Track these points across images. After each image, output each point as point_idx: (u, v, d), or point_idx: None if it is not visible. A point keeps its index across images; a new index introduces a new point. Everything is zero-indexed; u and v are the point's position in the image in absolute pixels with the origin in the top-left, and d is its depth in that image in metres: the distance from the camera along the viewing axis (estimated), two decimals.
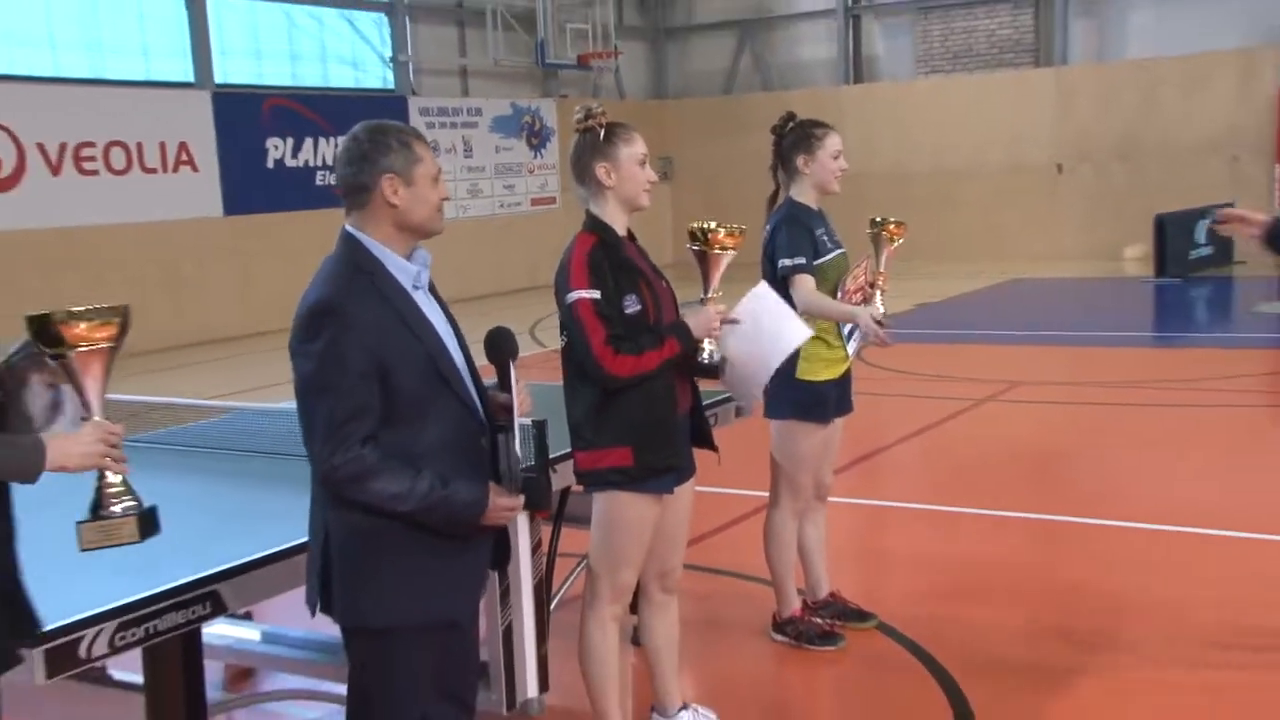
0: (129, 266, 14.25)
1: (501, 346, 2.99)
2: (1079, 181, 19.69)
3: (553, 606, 4.54)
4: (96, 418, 2.45)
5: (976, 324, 14.13)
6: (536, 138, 20.41)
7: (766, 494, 4.93)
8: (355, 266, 2.82)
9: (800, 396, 4.66)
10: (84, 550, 2.47)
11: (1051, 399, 9.67)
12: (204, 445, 4.74)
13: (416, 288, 2.89)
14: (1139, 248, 18.03)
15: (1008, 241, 19.78)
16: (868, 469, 7.79)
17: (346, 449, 2.71)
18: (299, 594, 3.03)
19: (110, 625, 2.77)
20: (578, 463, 3.71)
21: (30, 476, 2.37)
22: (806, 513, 4.94)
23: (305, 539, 2.98)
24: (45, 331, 2.42)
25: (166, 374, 12.46)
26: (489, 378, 3.01)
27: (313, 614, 2.93)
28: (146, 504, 2.53)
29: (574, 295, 3.53)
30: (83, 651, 2.72)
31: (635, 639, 4.13)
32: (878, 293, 4.74)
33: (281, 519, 3.39)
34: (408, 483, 2.75)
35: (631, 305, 3.56)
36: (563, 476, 3.97)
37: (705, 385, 3.96)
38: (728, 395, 4.94)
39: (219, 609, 3.05)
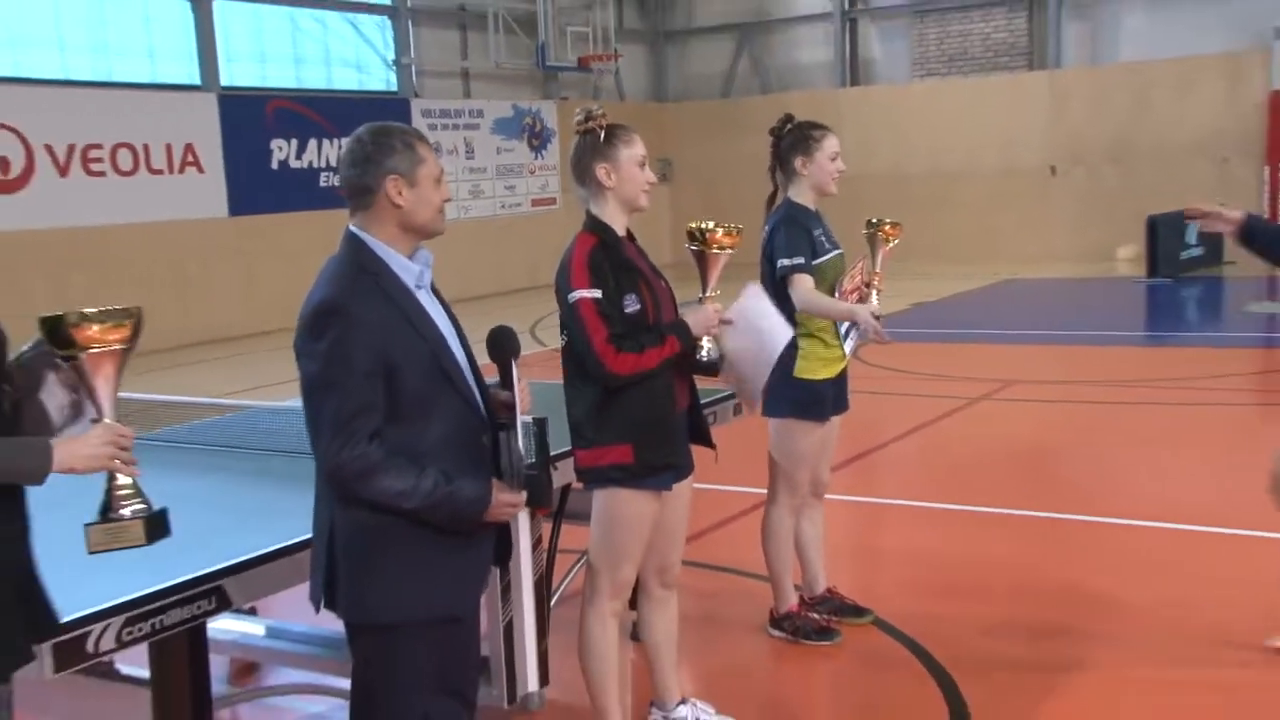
0: (136, 266, 14.25)
1: (503, 345, 2.98)
2: (1072, 183, 19.69)
3: (553, 602, 4.53)
4: (107, 419, 2.42)
5: (972, 323, 14.13)
6: (537, 139, 20.41)
7: (764, 491, 4.93)
8: (359, 267, 2.82)
9: (798, 395, 4.66)
10: (92, 553, 2.45)
11: (1045, 397, 9.67)
12: (209, 443, 4.73)
13: (419, 287, 2.89)
14: (1131, 248, 18.03)
15: (1003, 242, 19.78)
16: (864, 466, 7.79)
17: (353, 446, 2.70)
18: (303, 589, 3.03)
19: (117, 620, 2.77)
20: (578, 460, 3.71)
21: (36, 478, 2.34)
22: (804, 509, 4.94)
23: (309, 535, 2.98)
24: (57, 333, 2.39)
25: (172, 372, 12.45)
26: (490, 376, 3.01)
27: (317, 610, 2.93)
28: (157, 506, 2.49)
29: (576, 295, 3.53)
30: (90, 646, 2.72)
31: (635, 634, 4.13)
32: (873, 292, 4.74)
33: (285, 515, 3.39)
34: (413, 479, 2.75)
35: (631, 305, 3.56)
36: (563, 474, 3.97)
37: (703, 384, 3.96)
38: (726, 394, 4.95)
39: (224, 604, 3.05)
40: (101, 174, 14.20)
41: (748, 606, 5.22)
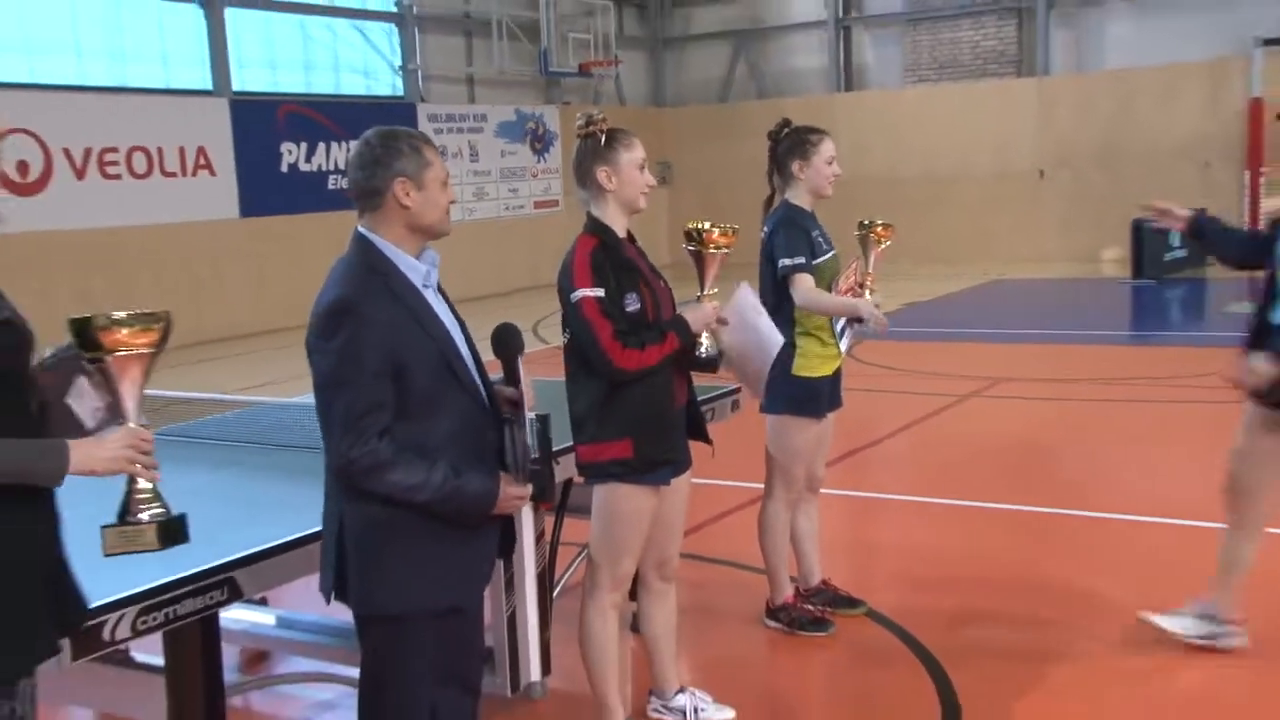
0: (150, 266, 14.24)
1: (508, 342, 2.98)
2: (1059, 187, 19.68)
3: (555, 594, 4.54)
4: (130, 423, 2.36)
5: (962, 322, 14.13)
6: (540, 143, 20.38)
7: (760, 486, 4.93)
8: (369, 267, 2.82)
9: (796, 392, 4.65)
10: (107, 555, 2.39)
11: (1034, 395, 9.67)
12: (220, 438, 4.73)
13: (426, 287, 2.89)
14: (1116, 250, 18.02)
15: (996, 244, 19.75)
16: (858, 462, 7.79)
17: (364, 442, 2.70)
18: (312, 580, 3.03)
19: (132, 610, 2.78)
20: (579, 455, 3.71)
21: (53, 479, 2.30)
22: (799, 504, 4.94)
23: (318, 528, 2.98)
24: (85, 335, 2.34)
25: (186, 369, 12.44)
26: (494, 372, 3.01)
27: (328, 602, 2.93)
28: (176, 511, 2.42)
29: (579, 294, 3.52)
30: (106, 635, 2.73)
31: (634, 625, 4.13)
32: (866, 292, 4.73)
33: (295, 509, 3.39)
34: (423, 474, 2.75)
35: (632, 304, 3.56)
36: (565, 469, 3.97)
37: (700, 380, 3.96)
38: (723, 391, 4.96)
39: (235, 594, 3.05)
40: (117, 177, 14.18)
41: (744, 598, 5.22)
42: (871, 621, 4.97)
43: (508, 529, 3.10)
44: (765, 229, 4.70)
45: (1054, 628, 4.85)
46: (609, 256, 3.57)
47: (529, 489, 2.94)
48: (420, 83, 18.68)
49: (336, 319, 2.73)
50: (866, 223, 4.86)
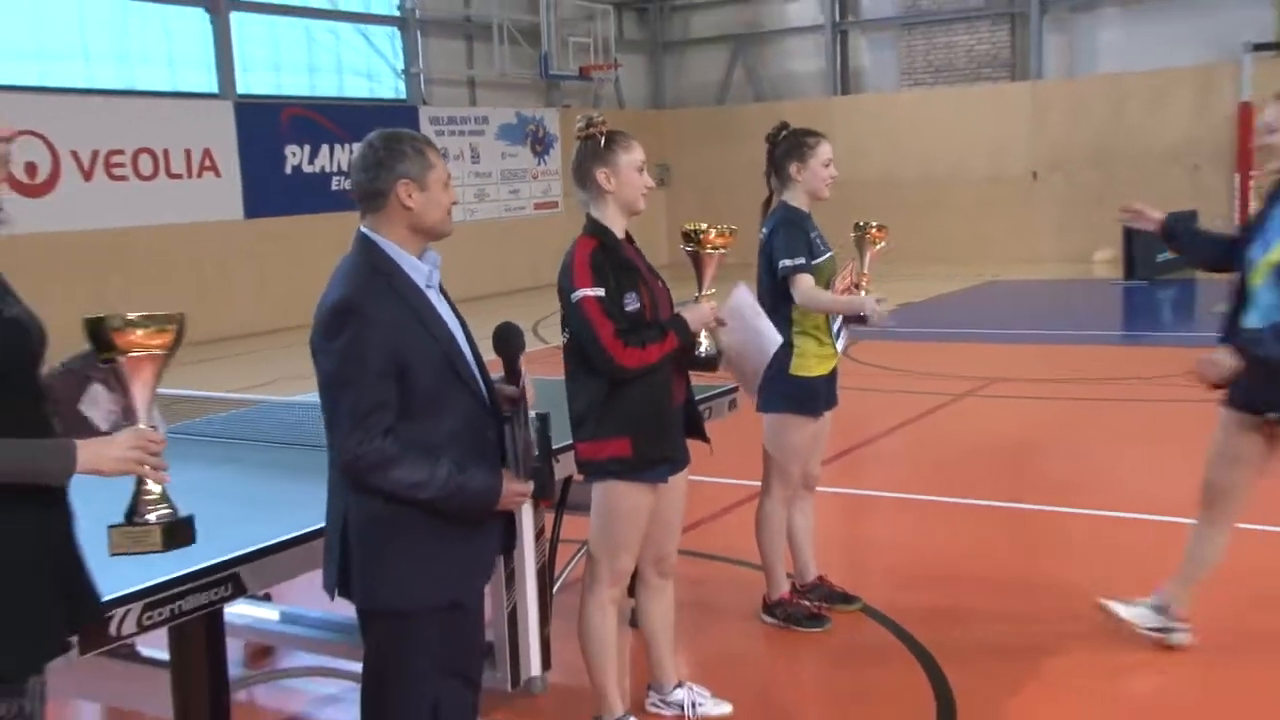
0: (155, 266, 14.24)
1: (509, 341, 2.98)
2: (1053, 189, 19.69)
3: (555, 590, 4.54)
4: (141, 425, 2.33)
5: (957, 323, 14.12)
6: (540, 145, 20.38)
7: (757, 483, 4.93)
8: (372, 267, 2.81)
9: (792, 391, 4.65)
10: (113, 555, 2.36)
11: (1028, 394, 9.66)
12: (225, 436, 4.73)
13: (429, 286, 2.88)
14: (1109, 252, 18.02)
15: (991, 245, 19.76)
16: (854, 460, 7.78)
17: (370, 440, 2.70)
18: (314, 576, 3.03)
19: (138, 606, 2.78)
20: (579, 453, 3.71)
21: (59, 478, 2.27)
22: (795, 501, 4.94)
23: (321, 525, 2.97)
24: (99, 335, 2.32)
25: (191, 368, 12.42)
26: (494, 371, 3.01)
27: (332, 597, 2.92)
28: (183, 512, 2.39)
29: (580, 294, 3.53)
30: (113, 630, 2.72)
31: (633, 621, 4.13)
32: (862, 293, 4.73)
33: (298, 506, 3.39)
34: (428, 471, 2.75)
35: (631, 303, 3.56)
36: (564, 466, 3.97)
37: (698, 380, 3.96)
38: (721, 390, 4.96)
39: (240, 590, 3.05)
40: (123, 178, 14.19)
41: (741, 594, 5.22)
42: (866, 617, 4.97)
43: (509, 526, 3.10)
44: (764, 230, 4.70)
45: (1048, 623, 4.85)
46: (608, 257, 3.58)
47: (530, 485, 2.94)
48: (422, 86, 18.68)
49: (340, 319, 2.73)
50: (861, 224, 4.86)
